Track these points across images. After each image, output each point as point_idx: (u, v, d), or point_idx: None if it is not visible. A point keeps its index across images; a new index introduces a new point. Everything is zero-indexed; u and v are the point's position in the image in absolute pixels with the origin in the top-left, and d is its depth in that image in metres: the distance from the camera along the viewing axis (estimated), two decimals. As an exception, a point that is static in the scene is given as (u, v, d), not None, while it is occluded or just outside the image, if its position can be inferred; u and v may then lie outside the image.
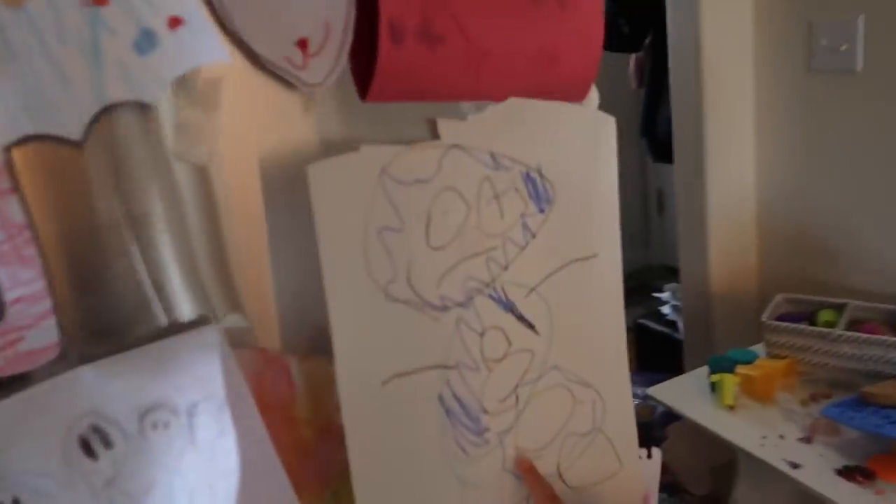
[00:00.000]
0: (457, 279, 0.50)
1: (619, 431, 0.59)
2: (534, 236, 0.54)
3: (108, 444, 0.40)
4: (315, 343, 0.45)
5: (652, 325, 2.34)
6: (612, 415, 0.59)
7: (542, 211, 0.54)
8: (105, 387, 0.40)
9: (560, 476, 0.57)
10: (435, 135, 0.49)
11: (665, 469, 2.13)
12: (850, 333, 1.45)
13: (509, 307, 0.53)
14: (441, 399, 0.49)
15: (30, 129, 0.36)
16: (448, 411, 0.49)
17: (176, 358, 0.41)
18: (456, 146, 0.50)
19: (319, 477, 0.49)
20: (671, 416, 2.02)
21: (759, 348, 1.64)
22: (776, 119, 1.78)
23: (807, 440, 1.36)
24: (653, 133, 2.03)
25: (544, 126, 0.54)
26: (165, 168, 0.42)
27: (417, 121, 0.50)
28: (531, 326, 0.54)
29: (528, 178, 0.53)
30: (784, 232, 1.84)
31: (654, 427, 2.07)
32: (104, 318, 0.42)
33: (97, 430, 0.40)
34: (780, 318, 1.59)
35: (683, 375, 1.68)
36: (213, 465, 0.39)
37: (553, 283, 0.55)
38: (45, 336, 0.40)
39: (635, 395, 2.21)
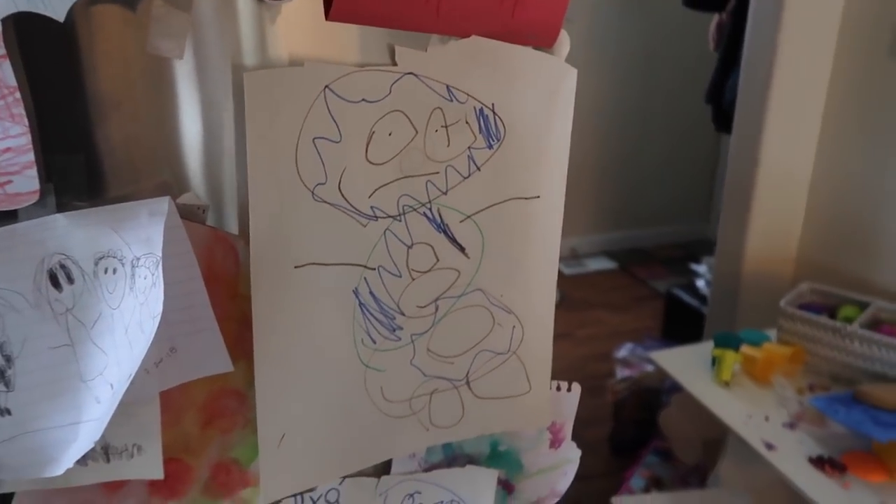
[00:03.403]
0: (391, 194, 0.55)
1: (534, 359, 0.65)
2: (478, 169, 0.59)
3: (70, 279, 0.49)
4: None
5: (684, 296, 2.33)
6: (529, 343, 0.65)
7: (490, 147, 0.59)
8: (73, 233, 0.49)
9: (468, 384, 0.63)
10: (393, 62, 0.54)
11: (660, 436, 2.19)
12: (863, 331, 1.43)
13: (442, 229, 0.59)
14: (356, 293, 0.56)
15: (22, 6, 0.44)
16: (362, 304, 0.56)
17: (130, 218, 0.49)
18: (411, 74, 0.55)
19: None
20: (678, 387, 2.04)
21: (773, 333, 1.64)
22: (848, 104, 1.71)
23: (791, 426, 1.38)
24: (718, 100, 1.97)
25: (504, 67, 0.58)
26: (142, 57, 0.49)
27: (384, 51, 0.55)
28: (462, 249, 0.60)
29: (480, 113, 0.58)
30: (831, 224, 1.80)
31: (661, 393, 2.10)
32: (77, 179, 0.50)
33: (63, 266, 0.49)
34: (802, 307, 1.58)
35: (690, 346, 1.71)
36: (146, 310, 0.47)
37: (490, 215, 0.60)
38: (28, 183, 0.48)
39: (648, 361, 2.23)
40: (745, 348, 1.54)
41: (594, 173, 3.39)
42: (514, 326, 0.64)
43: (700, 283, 2.28)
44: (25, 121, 0.46)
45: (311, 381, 0.56)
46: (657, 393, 2.16)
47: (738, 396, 1.49)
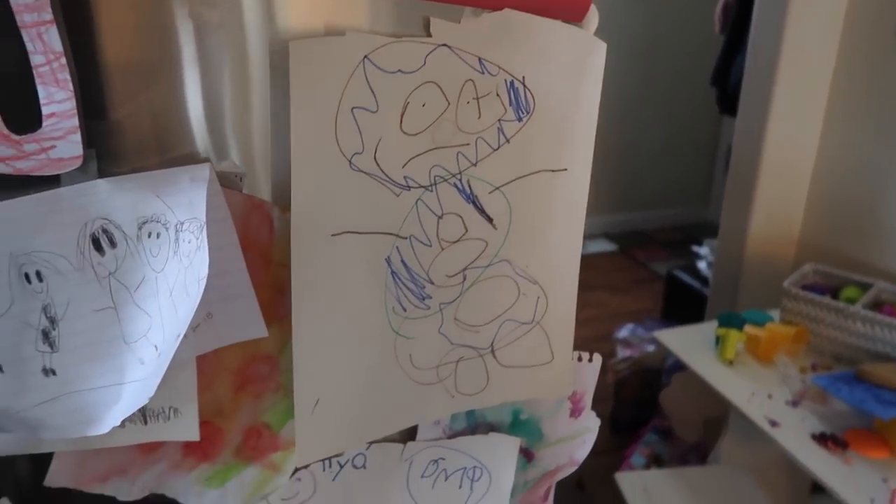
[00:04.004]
0: (424, 164, 0.56)
1: (558, 330, 0.66)
2: (508, 141, 0.60)
3: (113, 243, 0.50)
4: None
5: (685, 277, 2.35)
6: (553, 314, 0.66)
7: (519, 119, 0.60)
8: (115, 198, 0.50)
9: (493, 352, 0.65)
10: (428, 34, 0.55)
11: (661, 414, 2.21)
12: (865, 312, 1.45)
13: (471, 199, 0.60)
14: (388, 261, 0.57)
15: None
16: (393, 273, 0.57)
17: (173, 184, 0.50)
18: (445, 45, 0.55)
19: (287, 315, 0.58)
20: (679, 365, 2.07)
21: (776, 314, 1.66)
22: (854, 86, 1.72)
23: (794, 404, 1.40)
24: (724, 82, 1.98)
25: (535, 41, 0.59)
26: (185, 23, 0.50)
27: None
28: (490, 220, 0.61)
29: (511, 86, 0.59)
30: (834, 206, 1.81)
31: (661, 373, 2.13)
32: (122, 143, 0.51)
33: (106, 231, 0.50)
34: (805, 288, 1.60)
35: (694, 325, 1.73)
36: (190, 273, 0.48)
37: (518, 187, 0.61)
38: (72, 148, 0.49)
39: (652, 342, 2.26)
40: (748, 328, 1.56)
41: (595, 156, 3.39)
42: (538, 297, 0.65)
43: (701, 265, 2.30)
44: (70, 86, 0.47)
45: (345, 347, 0.57)
46: (657, 373, 2.19)
47: (742, 375, 1.51)
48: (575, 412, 0.73)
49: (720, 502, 1.51)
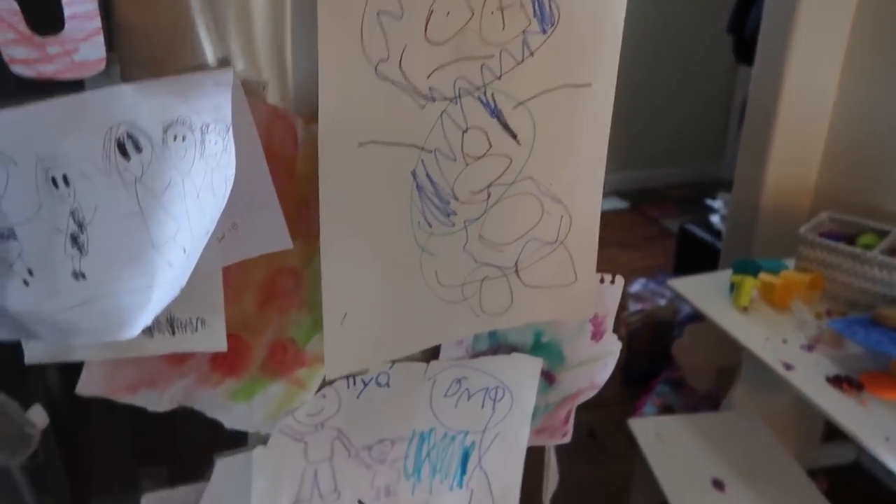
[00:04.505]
0: (448, 75, 0.55)
1: (581, 250, 0.66)
2: (532, 54, 0.59)
3: (138, 148, 0.50)
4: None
5: (697, 231, 2.34)
6: (576, 233, 0.66)
7: (544, 31, 0.59)
8: (139, 102, 0.50)
9: (517, 272, 0.64)
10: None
11: (674, 365, 2.22)
12: (883, 257, 1.45)
13: (496, 114, 0.59)
14: (414, 174, 0.56)
15: None
16: (419, 187, 0.57)
17: (197, 87, 0.49)
18: (469, -48, 0.54)
19: (311, 229, 0.58)
20: (691, 318, 2.07)
21: (792, 262, 1.65)
22: (875, 32, 1.68)
23: (808, 348, 1.40)
24: (741, 30, 1.94)
25: (561, -52, 0.57)
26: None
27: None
28: (514, 136, 0.60)
29: (536, -3, 0.57)
30: (852, 153, 1.79)
31: (673, 326, 2.13)
32: (145, 46, 0.50)
33: (130, 136, 0.50)
34: (821, 236, 1.59)
35: (708, 274, 1.73)
36: (217, 173, 0.48)
37: (542, 102, 0.60)
38: (95, 51, 0.49)
39: (663, 296, 2.26)
40: (763, 275, 1.55)
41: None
42: (562, 216, 0.65)
43: (714, 219, 2.29)
44: (92, -15, 0.46)
45: (372, 261, 0.57)
46: (669, 326, 2.20)
47: (756, 321, 1.51)
48: (596, 335, 0.73)
49: (733, 447, 1.52)
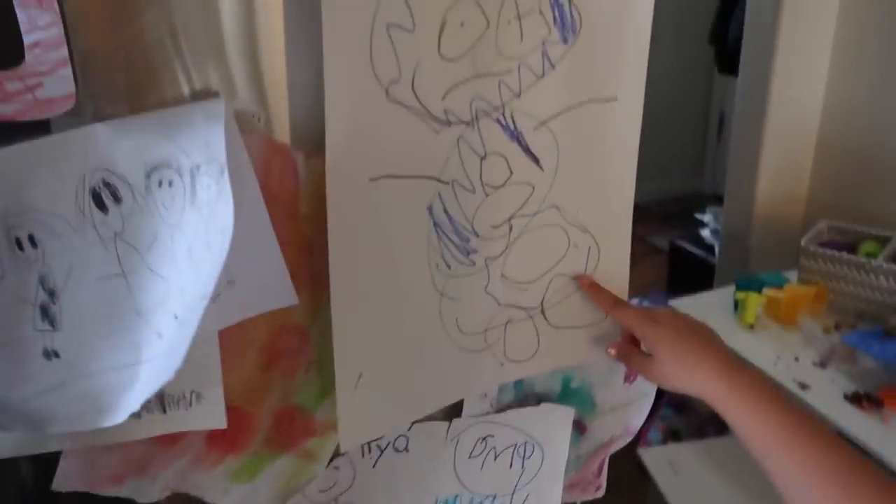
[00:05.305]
0: (465, 96, 0.49)
1: (611, 283, 0.60)
2: (553, 67, 0.53)
3: (117, 199, 0.43)
4: (323, 140, 0.45)
5: (688, 247, 2.30)
6: (605, 265, 0.59)
7: (565, 41, 0.53)
8: (116, 144, 0.42)
9: (543, 312, 0.58)
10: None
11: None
12: (888, 265, 1.40)
13: (516, 136, 0.53)
14: (430, 210, 0.50)
15: None
16: (436, 224, 0.50)
17: (184, 123, 0.42)
18: (482, -44, 0.48)
19: (317, 278, 0.50)
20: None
21: (792, 275, 1.61)
22: (858, 33, 1.66)
23: (822, 365, 1.35)
24: (722, 40, 1.92)
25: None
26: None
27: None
28: (536, 160, 0.54)
29: (555, 2, 0.52)
30: (843, 159, 1.76)
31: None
32: (120, 77, 0.43)
33: (107, 184, 0.43)
34: (821, 246, 1.55)
35: (710, 291, 1.67)
36: (211, 224, 0.40)
37: (565, 121, 0.54)
38: (62, 85, 0.41)
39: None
40: (767, 290, 1.51)
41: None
42: (589, 248, 0.59)
43: (705, 233, 2.25)
44: (55, 5, 0.39)
45: (387, 311, 0.50)
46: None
47: (764, 339, 1.45)
48: (630, 376, 0.67)
49: (748, 472, 1.46)
